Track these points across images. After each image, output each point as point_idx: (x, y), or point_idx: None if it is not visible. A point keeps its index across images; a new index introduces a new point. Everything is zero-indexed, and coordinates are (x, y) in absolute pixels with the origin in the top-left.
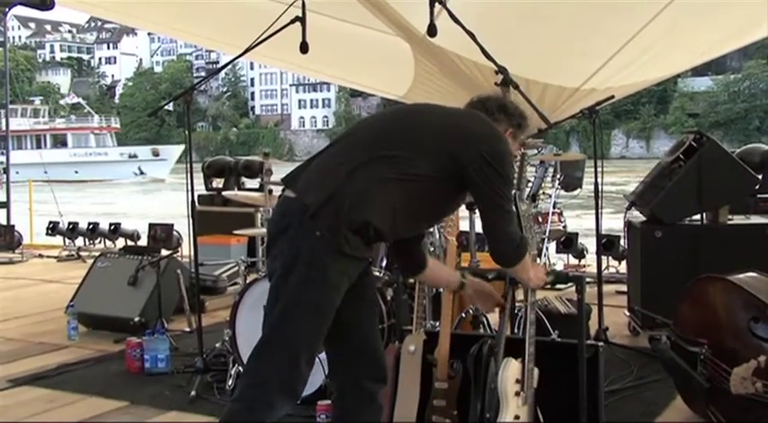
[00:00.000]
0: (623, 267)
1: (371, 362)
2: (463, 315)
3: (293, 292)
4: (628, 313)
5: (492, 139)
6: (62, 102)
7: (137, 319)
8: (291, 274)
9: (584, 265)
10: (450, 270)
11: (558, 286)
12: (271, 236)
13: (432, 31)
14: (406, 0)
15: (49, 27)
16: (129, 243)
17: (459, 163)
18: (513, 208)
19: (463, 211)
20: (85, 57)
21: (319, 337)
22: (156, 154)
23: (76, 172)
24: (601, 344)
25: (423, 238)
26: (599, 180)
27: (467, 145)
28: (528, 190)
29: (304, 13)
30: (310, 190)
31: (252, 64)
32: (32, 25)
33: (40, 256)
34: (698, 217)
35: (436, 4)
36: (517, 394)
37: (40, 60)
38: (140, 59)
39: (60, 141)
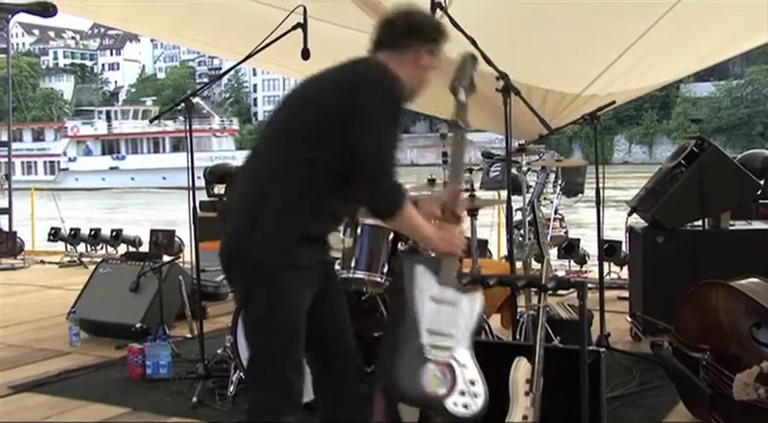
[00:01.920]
0: (625, 273)
1: (352, 363)
2: None
3: (257, 320)
4: (630, 319)
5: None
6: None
7: (138, 325)
8: (251, 305)
9: (586, 271)
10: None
11: (560, 292)
12: (223, 268)
13: None
14: (407, 5)
15: (52, 34)
16: (131, 249)
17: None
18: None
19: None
20: (89, 63)
21: (296, 350)
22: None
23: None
24: (603, 350)
25: None
26: (600, 186)
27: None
28: (529, 196)
29: (305, 19)
30: (239, 221)
31: (254, 70)
32: (36, 32)
33: (42, 262)
34: (699, 222)
35: (437, 10)
36: (527, 394)
37: (44, 67)
38: (143, 66)
39: (180, 145)
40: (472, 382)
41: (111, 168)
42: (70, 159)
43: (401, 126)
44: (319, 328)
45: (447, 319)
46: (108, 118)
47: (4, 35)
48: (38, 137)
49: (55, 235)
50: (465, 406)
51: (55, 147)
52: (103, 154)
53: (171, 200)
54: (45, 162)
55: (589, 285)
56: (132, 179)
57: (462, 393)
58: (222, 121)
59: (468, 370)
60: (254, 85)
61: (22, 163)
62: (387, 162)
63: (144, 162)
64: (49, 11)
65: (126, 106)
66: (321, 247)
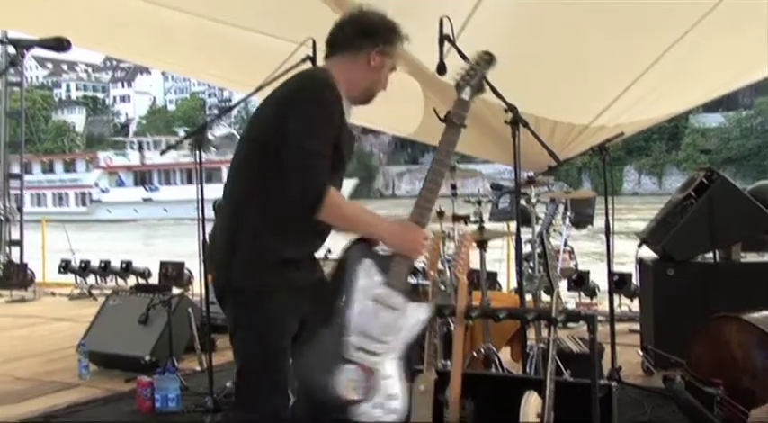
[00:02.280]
0: (636, 305)
1: None
2: (474, 354)
3: (241, 346)
4: (641, 352)
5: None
6: (211, 135)
7: (147, 357)
8: (236, 332)
9: (596, 304)
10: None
11: (570, 325)
12: (217, 300)
13: (441, 69)
14: (415, 38)
15: (65, 67)
16: (141, 281)
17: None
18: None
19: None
20: (100, 95)
21: (279, 375)
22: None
23: (135, 210)
24: (614, 384)
25: None
26: (609, 217)
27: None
28: (538, 228)
29: (315, 52)
30: (221, 252)
31: None
32: (49, 65)
33: (52, 294)
34: (710, 254)
35: (445, 42)
36: None
37: (57, 99)
38: (154, 98)
39: (213, 176)
40: (391, 397)
41: (145, 200)
42: (102, 191)
43: (333, 124)
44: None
45: (385, 323)
46: (140, 149)
47: (18, 69)
48: (69, 168)
49: (65, 267)
50: (379, 418)
51: (86, 178)
52: (136, 185)
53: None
54: (76, 193)
55: (599, 318)
56: (165, 211)
57: (377, 406)
58: None
59: (392, 383)
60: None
61: (54, 194)
62: (306, 158)
63: (177, 193)
64: (64, 46)
65: (158, 137)
66: (306, 268)
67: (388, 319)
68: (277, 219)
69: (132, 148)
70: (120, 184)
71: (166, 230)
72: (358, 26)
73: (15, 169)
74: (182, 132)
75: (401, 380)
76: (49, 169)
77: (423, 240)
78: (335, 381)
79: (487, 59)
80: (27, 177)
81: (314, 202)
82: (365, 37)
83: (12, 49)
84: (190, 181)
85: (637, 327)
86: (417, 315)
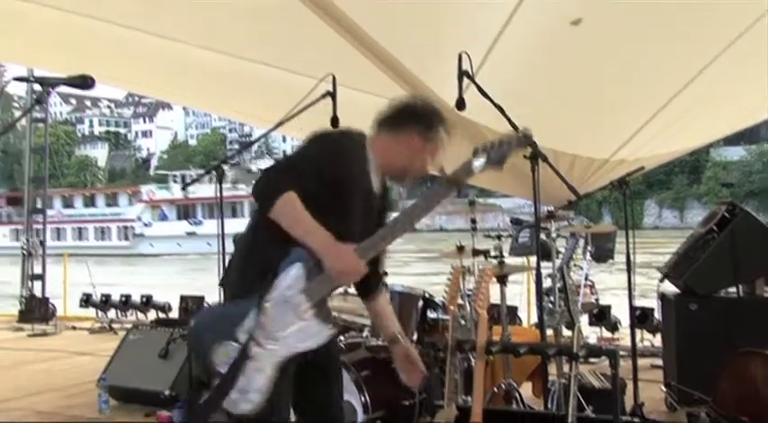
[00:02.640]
0: (658, 340)
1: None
2: (495, 389)
3: None
4: (664, 388)
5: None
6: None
7: (167, 392)
8: None
9: (618, 338)
10: (394, 320)
11: (592, 360)
12: None
13: (460, 104)
14: (434, 74)
15: (88, 103)
16: (161, 315)
17: None
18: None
19: (495, 284)
20: (122, 130)
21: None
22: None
23: (179, 244)
24: (637, 420)
25: (379, 262)
26: (630, 251)
27: None
28: (558, 262)
29: (335, 87)
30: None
31: (284, 137)
32: (73, 101)
33: (73, 328)
34: (734, 289)
35: (464, 78)
36: None
37: (80, 135)
38: (175, 132)
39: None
40: (255, 390)
41: (188, 234)
42: (145, 224)
43: (329, 162)
44: (305, 392)
45: (285, 326)
46: (183, 182)
47: (43, 106)
48: (111, 202)
49: (86, 301)
50: (233, 402)
51: (129, 212)
52: (179, 219)
53: None
54: (119, 227)
55: (621, 353)
56: (208, 244)
57: (239, 391)
58: None
59: (260, 377)
60: (284, 152)
61: (96, 228)
62: (279, 166)
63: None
64: (88, 83)
65: (202, 170)
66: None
67: (289, 323)
68: (258, 251)
69: (175, 181)
70: (163, 217)
71: (209, 264)
72: (403, 108)
73: (57, 204)
74: (226, 167)
75: (271, 381)
76: (90, 203)
77: (354, 270)
78: (213, 347)
79: (519, 140)
80: (68, 211)
81: (264, 197)
82: (408, 119)
83: (38, 87)
84: (234, 214)
85: (659, 362)
86: (319, 333)
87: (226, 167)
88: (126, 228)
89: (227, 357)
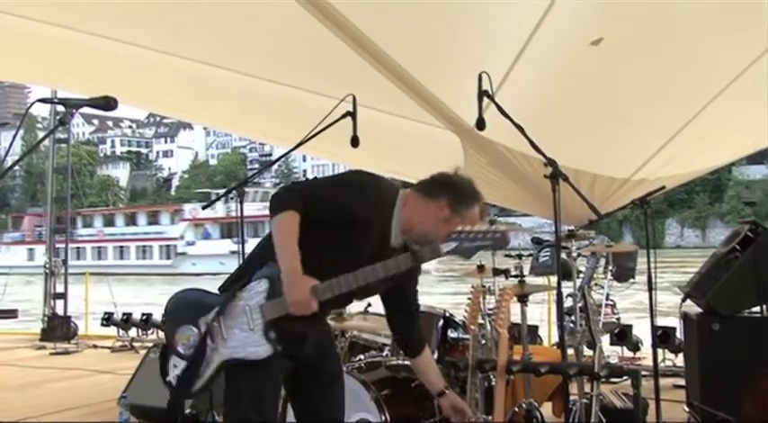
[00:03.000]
0: (680, 360)
1: None
2: (516, 409)
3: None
4: (687, 409)
5: None
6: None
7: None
8: None
9: (640, 358)
10: (439, 374)
11: (613, 380)
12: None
13: (480, 124)
14: (454, 94)
15: (110, 123)
16: None
17: None
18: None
19: (516, 303)
20: (144, 150)
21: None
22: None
23: (222, 263)
24: None
25: (416, 316)
26: (652, 271)
27: None
28: (579, 281)
29: (355, 108)
30: None
31: (304, 156)
32: (95, 122)
33: (95, 346)
34: (757, 308)
35: (484, 97)
36: None
37: (102, 155)
38: (196, 152)
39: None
40: (197, 375)
41: (232, 252)
42: (188, 243)
43: (346, 197)
44: (299, 395)
45: (236, 329)
46: (227, 201)
47: (66, 127)
48: (152, 220)
49: (108, 320)
50: (174, 367)
51: (171, 230)
52: (222, 237)
53: None
54: (161, 246)
55: (643, 373)
56: None
57: (188, 366)
58: None
59: (207, 369)
60: (304, 171)
61: (137, 247)
62: (297, 184)
63: None
64: (111, 105)
65: (246, 188)
66: (286, 320)
67: (237, 330)
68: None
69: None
70: (207, 236)
71: None
72: (443, 178)
73: (98, 223)
74: (268, 183)
75: (213, 373)
76: (131, 222)
77: (304, 304)
78: (180, 328)
79: (498, 243)
80: (109, 229)
81: (271, 210)
82: (443, 188)
83: (61, 108)
84: None
85: (682, 382)
86: (259, 348)
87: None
88: (168, 246)
89: (188, 340)
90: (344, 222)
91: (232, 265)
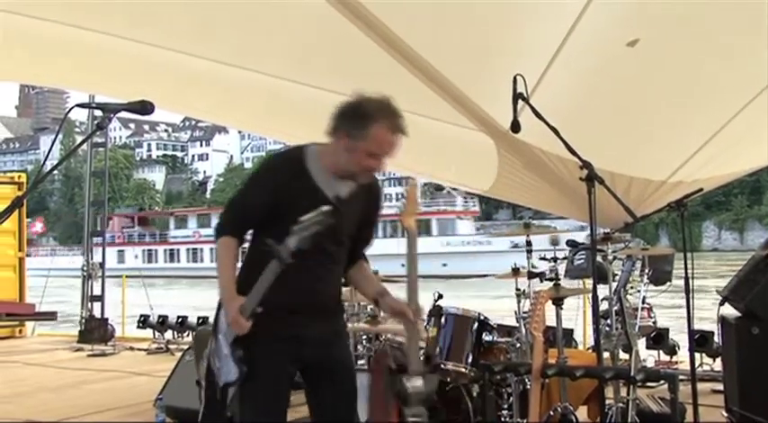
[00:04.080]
0: (718, 364)
1: None
2: (551, 413)
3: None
4: (725, 414)
5: None
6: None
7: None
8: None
9: (677, 362)
10: (375, 282)
11: (650, 384)
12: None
13: (515, 127)
14: (489, 96)
15: (147, 127)
16: None
17: None
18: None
19: (551, 306)
20: (179, 154)
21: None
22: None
23: (445, 265)
24: None
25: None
26: (689, 274)
27: None
28: (615, 285)
29: None
30: None
31: None
32: (132, 126)
33: (131, 348)
34: None
35: (519, 100)
36: None
37: (138, 158)
38: (231, 156)
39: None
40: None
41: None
42: None
43: (262, 184)
44: (315, 395)
45: (217, 355)
46: None
47: (104, 131)
48: (203, 223)
49: (144, 322)
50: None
51: None
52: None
53: None
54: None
55: (681, 377)
56: None
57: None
58: (466, 201)
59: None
60: None
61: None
62: (227, 206)
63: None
64: (148, 109)
65: None
66: (284, 320)
67: (220, 351)
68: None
69: None
70: None
71: None
72: (336, 111)
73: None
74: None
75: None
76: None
77: (233, 323)
78: (210, 338)
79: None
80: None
81: (215, 236)
82: (338, 120)
83: (99, 113)
84: (394, 234)
85: (720, 387)
86: (228, 369)
87: None
88: None
89: (210, 349)
90: (282, 208)
91: None
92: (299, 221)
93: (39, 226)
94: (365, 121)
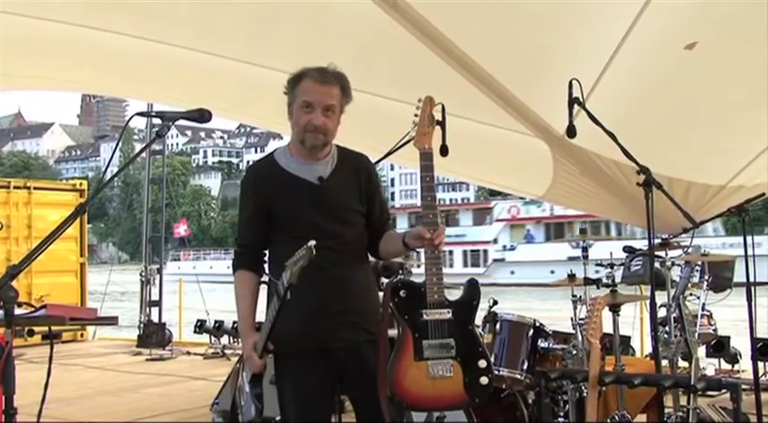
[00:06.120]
0: None
1: None
2: (609, 421)
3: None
4: None
5: None
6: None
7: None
8: None
9: (738, 371)
10: (396, 237)
11: (711, 393)
12: None
13: (571, 132)
14: (544, 101)
15: (203, 134)
16: None
17: None
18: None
19: (607, 313)
20: (234, 160)
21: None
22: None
23: (552, 272)
24: None
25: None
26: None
27: None
28: (673, 291)
29: (444, 116)
30: None
31: (392, 165)
32: (189, 133)
33: (188, 353)
34: None
35: (575, 104)
36: None
37: (194, 165)
38: None
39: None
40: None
41: (570, 258)
42: (505, 248)
43: (249, 195)
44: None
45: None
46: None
47: (162, 139)
48: (450, 222)
49: (200, 327)
50: None
51: (476, 233)
52: (547, 240)
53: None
54: (464, 251)
55: (743, 386)
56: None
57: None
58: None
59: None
60: (392, 180)
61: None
62: (237, 239)
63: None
64: (205, 117)
65: None
66: (309, 335)
67: (242, 393)
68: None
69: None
70: (530, 239)
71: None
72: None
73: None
74: None
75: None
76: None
77: (247, 358)
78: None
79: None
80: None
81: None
82: (287, 91)
83: (157, 121)
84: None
85: None
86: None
87: None
88: (475, 251)
89: (239, 383)
90: (276, 210)
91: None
92: (293, 255)
93: (182, 228)
94: (295, 82)
